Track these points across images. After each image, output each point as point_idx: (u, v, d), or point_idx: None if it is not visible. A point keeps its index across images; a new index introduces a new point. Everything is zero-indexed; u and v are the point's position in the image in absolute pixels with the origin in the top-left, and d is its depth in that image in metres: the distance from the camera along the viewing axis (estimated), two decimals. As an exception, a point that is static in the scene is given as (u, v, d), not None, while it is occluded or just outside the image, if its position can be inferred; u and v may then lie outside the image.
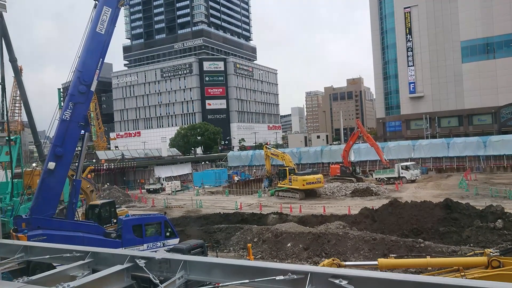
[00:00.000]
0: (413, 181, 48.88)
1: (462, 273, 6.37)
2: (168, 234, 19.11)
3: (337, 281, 2.50)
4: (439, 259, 7.30)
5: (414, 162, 54.70)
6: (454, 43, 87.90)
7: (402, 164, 51.74)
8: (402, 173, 49.72)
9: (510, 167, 55.15)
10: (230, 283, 3.00)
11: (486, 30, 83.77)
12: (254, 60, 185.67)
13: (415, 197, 35.36)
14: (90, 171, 54.33)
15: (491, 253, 6.49)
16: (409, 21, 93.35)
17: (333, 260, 7.06)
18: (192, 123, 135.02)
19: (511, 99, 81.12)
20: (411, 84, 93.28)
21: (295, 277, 2.65)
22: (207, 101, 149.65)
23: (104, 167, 66.16)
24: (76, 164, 18.88)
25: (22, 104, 42.36)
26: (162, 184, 59.21)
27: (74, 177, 18.83)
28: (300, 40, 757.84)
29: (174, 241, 18.89)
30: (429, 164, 61.05)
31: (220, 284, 3.11)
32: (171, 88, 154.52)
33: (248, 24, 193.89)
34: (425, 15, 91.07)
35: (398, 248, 18.42)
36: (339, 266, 6.84)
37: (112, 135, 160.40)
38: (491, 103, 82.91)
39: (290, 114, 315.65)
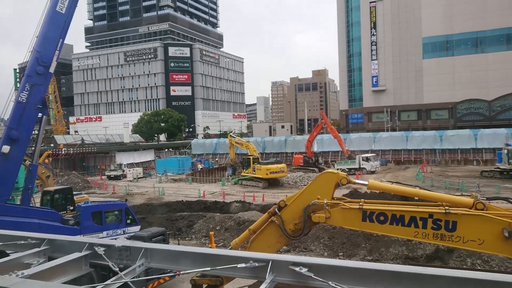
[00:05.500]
0: (372, 172, 50.28)
1: (446, 207, 6.66)
2: (129, 221, 18.83)
3: (297, 269, 2.55)
4: (427, 191, 7.60)
5: (374, 154, 56.22)
6: (416, 39, 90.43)
7: (363, 155, 53.07)
8: (362, 164, 51.03)
9: (464, 161, 57.81)
10: (192, 270, 2.99)
11: (447, 28, 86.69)
12: (220, 48, 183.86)
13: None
14: (48, 156, 52.47)
15: (478, 197, 6.85)
16: (374, 15, 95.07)
17: (347, 176, 7.48)
18: (156, 109, 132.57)
19: (468, 95, 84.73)
20: (374, 78, 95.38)
21: (257, 264, 2.68)
22: (171, 87, 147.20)
23: (63, 152, 64.03)
24: (33, 148, 18.15)
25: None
26: (123, 171, 58.02)
27: (30, 162, 18.15)
28: (267, 29, 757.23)
29: (135, 229, 18.65)
30: (389, 156, 63.00)
31: (181, 272, 3.11)
32: (135, 73, 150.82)
33: (215, 10, 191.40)
34: (389, 10, 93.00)
35: (357, 236, 18.99)
36: (349, 182, 7.42)
37: (71, 119, 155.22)
38: (449, 99, 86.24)
39: (256, 103, 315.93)
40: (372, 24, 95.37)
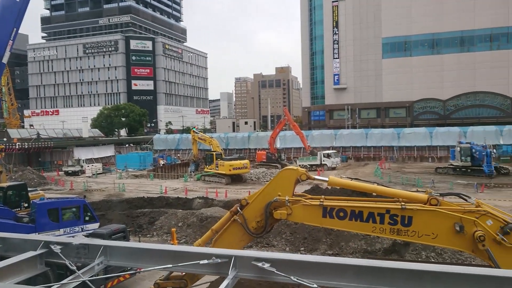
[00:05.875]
0: (333, 169, 51.30)
1: (402, 203, 6.92)
2: (87, 218, 18.32)
3: (260, 264, 2.56)
4: (385, 188, 7.87)
5: (335, 151, 57.39)
6: (376, 39, 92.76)
7: (324, 152, 54.05)
8: (323, 161, 51.97)
9: (420, 158, 60.06)
10: (153, 268, 2.95)
11: (405, 29, 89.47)
12: (184, 42, 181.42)
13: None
14: (0, 151, 50.13)
15: (432, 193, 7.10)
16: (336, 14, 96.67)
17: (306, 172, 7.75)
18: (117, 103, 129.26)
19: (424, 95, 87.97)
20: (336, 76, 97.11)
21: (219, 261, 2.67)
22: (133, 81, 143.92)
23: (17, 147, 61.32)
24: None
25: None
26: (82, 166, 56.30)
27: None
28: (231, 25, 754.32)
29: (94, 226, 18.18)
30: (349, 152, 64.47)
31: (142, 270, 3.04)
32: (94, 66, 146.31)
33: (178, 4, 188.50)
34: (351, 10, 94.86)
35: (318, 231, 19.34)
36: (308, 178, 7.68)
37: (26, 112, 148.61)
38: (406, 98, 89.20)
39: (219, 99, 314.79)
40: (334, 23, 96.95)
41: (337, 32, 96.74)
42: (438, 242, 6.94)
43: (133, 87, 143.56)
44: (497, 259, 6.33)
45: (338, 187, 27.49)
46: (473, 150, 42.11)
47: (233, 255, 2.69)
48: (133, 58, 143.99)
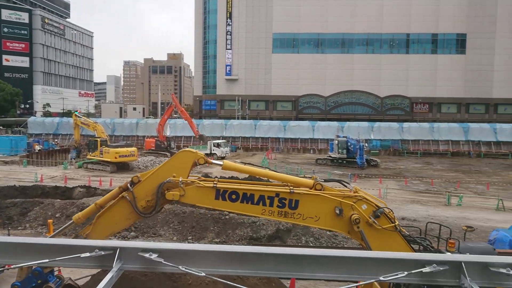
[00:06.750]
0: (223, 158, 51.98)
1: (291, 187, 7.30)
2: None
3: (147, 255, 2.50)
4: (275, 173, 8.22)
5: (225, 140, 58.26)
6: (267, 34, 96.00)
7: (214, 141, 54.56)
8: (213, 150, 52.45)
9: (303, 149, 64.06)
10: (24, 264, 2.68)
11: (294, 27, 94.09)
12: (66, 18, 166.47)
13: (224, 172, 37.83)
14: None
15: (318, 179, 7.54)
16: (230, 5, 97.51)
17: (204, 156, 7.84)
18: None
19: (308, 90, 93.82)
20: (228, 67, 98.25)
21: (103, 253, 2.54)
22: (4, 56, 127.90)
23: None
24: None
25: None
26: None
27: None
28: (121, 4, 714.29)
29: (-49, 219, 15.93)
30: (238, 142, 66.03)
31: (11, 266, 2.75)
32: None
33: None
34: (244, 2, 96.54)
35: (206, 220, 19.52)
36: (206, 161, 7.78)
37: None
38: (293, 92, 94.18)
39: (105, 82, 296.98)
40: (228, 14, 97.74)
41: (230, 23, 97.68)
42: (320, 224, 7.52)
43: (5, 63, 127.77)
44: (368, 240, 7.10)
45: (228, 177, 27.98)
46: (349, 144, 46.27)
47: (118, 247, 2.58)
48: (5, 30, 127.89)
